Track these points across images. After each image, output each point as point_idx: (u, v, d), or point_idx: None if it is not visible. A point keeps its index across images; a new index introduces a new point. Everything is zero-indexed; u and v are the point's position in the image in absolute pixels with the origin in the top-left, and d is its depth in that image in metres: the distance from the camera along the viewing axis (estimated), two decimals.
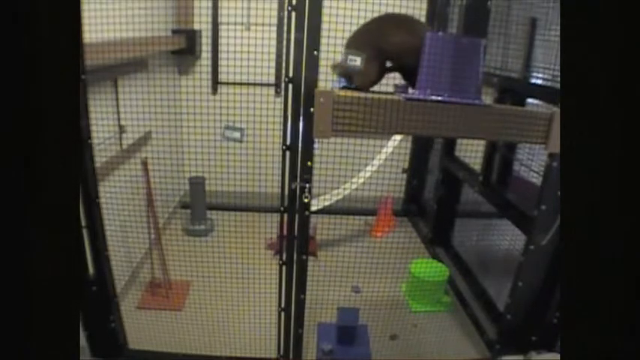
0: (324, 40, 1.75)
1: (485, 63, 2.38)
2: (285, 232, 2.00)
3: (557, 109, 1.75)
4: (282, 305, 2.16)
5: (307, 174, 1.84)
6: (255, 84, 3.72)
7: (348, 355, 2.40)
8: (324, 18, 1.70)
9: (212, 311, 2.41)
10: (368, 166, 3.52)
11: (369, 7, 1.99)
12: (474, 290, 3.07)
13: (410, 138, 4.11)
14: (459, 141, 3.45)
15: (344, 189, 3.65)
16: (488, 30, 2.90)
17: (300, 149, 1.82)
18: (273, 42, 3.86)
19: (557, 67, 2.36)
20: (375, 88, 1.82)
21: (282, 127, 1.87)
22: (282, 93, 2.03)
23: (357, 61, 1.73)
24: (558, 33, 2.24)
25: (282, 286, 2.11)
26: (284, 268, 2.07)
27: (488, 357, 2.54)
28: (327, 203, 3.57)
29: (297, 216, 1.95)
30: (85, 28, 1.90)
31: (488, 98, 2.61)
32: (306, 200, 1.87)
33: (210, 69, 4.07)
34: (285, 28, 1.75)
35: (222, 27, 3.89)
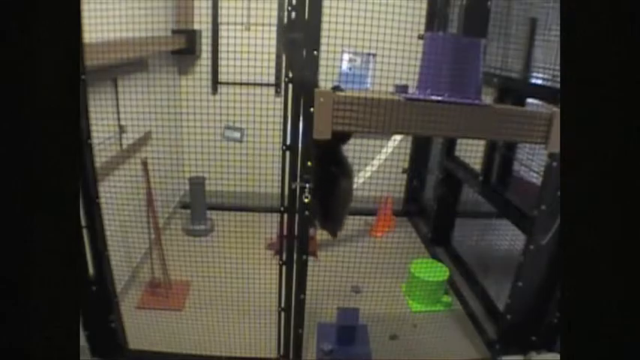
0: (324, 40, 1.75)
1: (485, 63, 2.38)
2: (285, 232, 2.00)
3: (557, 109, 1.75)
4: (282, 305, 2.16)
5: (307, 174, 1.84)
6: (255, 84, 3.72)
7: (348, 355, 2.40)
8: (324, 18, 1.70)
9: (212, 311, 2.41)
10: (368, 166, 3.52)
11: (369, 7, 1.99)
12: (474, 290, 3.07)
13: (410, 138, 4.11)
14: (459, 141, 3.45)
15: None
16: (489, 30, 2.89)
17: (300, 149, 1.82)
18: (273, 42, 3.86)
19: (557, 67, 2.36)
20: (376, 88, 1.82)
21: (282, 127, 1.87)
22: (282, 93, 2.03)
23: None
24: (558, 33, 2.24)
25: (282, 286, 2.11)
26: (284, 268, 2.07)
27: (488, 357, 2.53)
28: None
29: (297, 216, 1.95)
30: (85, 28, 1.90)
31: (488, 98, 2.61)
32: (306, 200, 1.87)
33: (210, 69, 4.07)
34: (286, 28, 1.75)
35: (222, 27, 3.89)
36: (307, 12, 1.65)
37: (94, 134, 2.01)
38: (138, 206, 2.84)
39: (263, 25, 3.74)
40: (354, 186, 3.54)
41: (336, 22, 1.92)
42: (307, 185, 1.85)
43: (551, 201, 2.14)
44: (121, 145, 2.81)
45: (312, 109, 1.69)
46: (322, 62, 1.74)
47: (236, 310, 2.51)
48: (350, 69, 3.75)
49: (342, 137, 2.03)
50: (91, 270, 2.10)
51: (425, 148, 4.17)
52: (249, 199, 3.50)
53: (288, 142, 1.86)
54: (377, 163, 3.54)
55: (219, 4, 3.86)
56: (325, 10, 1.70)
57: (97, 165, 2.06)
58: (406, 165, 4.24)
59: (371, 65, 3.67)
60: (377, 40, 2.09)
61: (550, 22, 2.60)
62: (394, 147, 3.75)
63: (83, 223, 1.99)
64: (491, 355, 2.52)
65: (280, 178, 1.92)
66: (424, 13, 3.70)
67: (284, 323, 2.19)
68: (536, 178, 2.49)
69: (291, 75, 1.79)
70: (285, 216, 1.97)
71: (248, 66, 2.55)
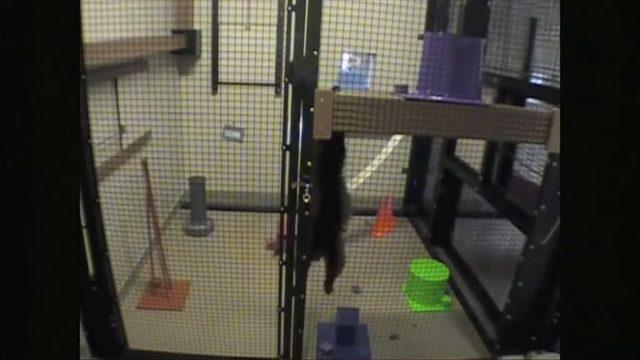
0: (324, 40, 1.75)
1: (485, 63, 2.38)
2: (285, 232, 2.00)
3: (557, 109, 1.75)
4: (282, 305, 2.15)
5: (307, 174, 1.84)
6: (255, 84, 3.72)
7: (348, 355, 2.40)
8: (324, 18, 1.70)
9: (212, 311, 2.41)
10: (368, 166, 3.52)
11: (369, 7, 1.99)
12: (474, 290, 3.07)
13: (410, 138, 4.11)
14: (459, 141, 3.45)
15: None
16: (489, 30, 2.89)
17: (300, 149, 1.82)
18: (273, 42, 3.86)
19: (557, 67, 2.36)
20: (376, 88, 1.82)
21: (282, 127, 1.87)
22: (282, 93, 2.03)
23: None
24: (558, 33, 2.24)
25: (282, 286, 2.11)
26: (284, 268, 2.07)
27: (488, 357, 2.53)
28: None
29: (297, 216, 1.94)
30: (85, 28, 1.90)
31: (488, 98, 2.61)
32: (306, 200, 1.87)
33: (210, 69, 4.07)
34: (285, 28, 1.75)
35: (222, 27, 3.89)
36: (307, 12, 1.65)
37: (94, 134, 2.01)
38: (138, 206, 2.84)
39: (263, 25, 3.74)
40: (355, 186, 3.55)
41: (336, 22, 1.92)
42: (307, 185, 1.85)
43: (551, 201, 2.14)
44: (121, 145, 2.81)
45: (312, 109, 1.69)
46: (322, 62, 1.73)
47: (236, 310, 2.51)
48: (350, 69, 3.75)
49: (338, 162, 2.04)
50: (91, 270, 2.10)
51: (425, 148, 4.16)
52: (249, 199, 3.49)
53: (288, 142, 1.86)
54: (377, 163, 3.54)
55: (219, 4, 3.86)
56: (325, 10, 1.70)
57: (97, 165, 2.06)
58: (406, 165, 4.24)
59: (371, 65, 3.67)
60: (377, 40, 2.09)
61: (550, 22, 2.60)
62: (394, 147, 3.74)
63: (83, 223, 1.99)
64: (491, 355, 2.52)
65: (280, 178, 1.92)
66: (424, 13, 3.70)
67: (284, 323, 2.19)
68: (536, 178, 2.49)
69: (288, 78, 1.79)
70: (285, 216, 1.97)
71: (248, 66, 2.55)
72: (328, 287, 2.27)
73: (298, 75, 1.72)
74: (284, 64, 1.82)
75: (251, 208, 3.72)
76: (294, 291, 2.09)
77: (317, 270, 2.23)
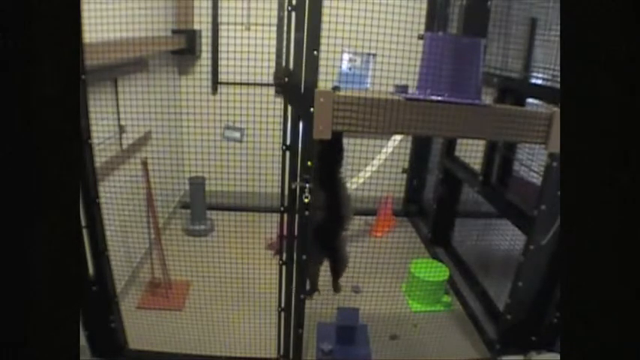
0: (324, 40, 1.75)
1: (485, 63, 2.38)
2: (285, 232, 2.00)
3: (557, 109, 1.75)
4: (282, 305, 2.15)
5: (307, 174, 1.84)
6: (255, 84, 3.72)
7: (348, 355, 2.40)
8: (324, 18, 1.70)
9: (212, 311, 2.41)
10: (368, 166, 3.52)
11: (369, 7, 2.00)
12: (474, 290, 3.07)
13: (410, 138, 4.11)
14: (459, 141, 3.45)
15: None
16: (489, 30, 2.89)
17: (300, 149, 1.82)
18: (273, 42, 3.86)
19: (557, 67, 2.36)
20: (376, 88, 1.82)
21: (282, 127, 1.87)
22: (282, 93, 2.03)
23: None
24: (558, 33, 2.24)
25: (282, 286, 2.11)
26: (284, 268, 2.07)
27: (488, 357, 2.53)
28: None
29: (297, 216, 1.94)
30: (85, 28, 1.90)
31: (488, 98, 2.61)
32: (306, 200, 1.87)
33: (210, 69, 4.06)
34: (285, 28, 1.75)
35: (222, 27, 3.89)
36: (307, 12, 1.65)
37: (94, 134, 2.01)
38: (138, 206, 2.84)
39: (263, 25, 3.74)
40: (355, 186, 3.54)
41: (336, 22, 1.92)
42: (307, 185, 1.85)
43: (551, 201, 2.14)
44: (121, 145, 2.81)
45: (312, 109, 1.69)
46: (322, 62, 1.73)
47: (236, 310, 2.51)
48: (350, 69, 3.75)
49: (336, 161, 2.04)
50: (91, 270, 2.10)
51: (425, 148, 4.17)
52: (249, 199, 3.50)
53: (288, 142, 1.86)
54: (377, 163, 3.54)
55: (219, 4, 3.86)
56: (325, 10, 1.69)
57: (97, 165, 2.06)
58: (406, 165, 4.24)
59: (371, 65, 3.67)
60: (377, 40, 2.09)
61: (550, 22, 2.60)
62: (394, 147, 3.75)
63: (83, 223, 1.99)
64: (491, 355, 2.52)
65: (280, 178, 1.92)
66: (424, 13, 3.70)
67: (284, 323, 2.19)
68: (536, 178, 2.49)
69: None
70: (285, 216, 1.97)
71: (248, 66, 2.55)
72: (336, 286, 2.29)
73: (296, 77, 1.72)
74: (284, 65, 1.82)
75: (251, 208, 3.72)
76: (294, 291, 2.09)
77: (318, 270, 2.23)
